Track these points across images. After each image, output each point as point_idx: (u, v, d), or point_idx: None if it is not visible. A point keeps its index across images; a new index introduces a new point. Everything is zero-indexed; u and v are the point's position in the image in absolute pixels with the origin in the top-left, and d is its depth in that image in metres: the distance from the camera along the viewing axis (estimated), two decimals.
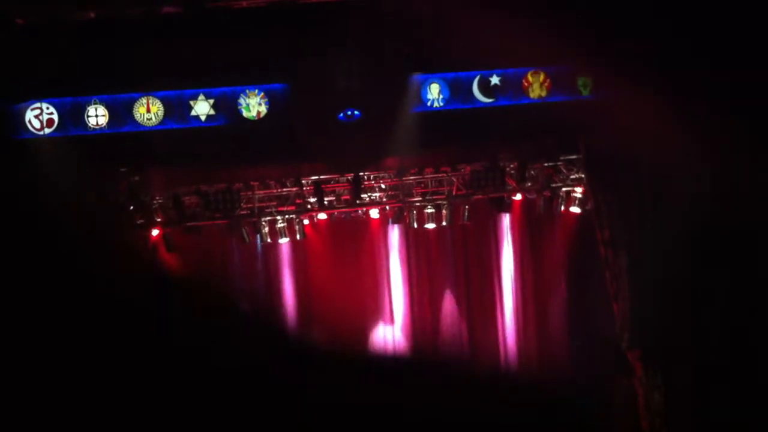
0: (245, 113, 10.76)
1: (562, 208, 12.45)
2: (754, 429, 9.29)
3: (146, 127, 10.59)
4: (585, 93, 10.90)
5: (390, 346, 13.16)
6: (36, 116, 10.39)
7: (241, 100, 10.76)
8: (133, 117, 10.59)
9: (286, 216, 12.17)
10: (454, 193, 12.40)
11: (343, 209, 12.46)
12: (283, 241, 12.33)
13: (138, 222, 11.59)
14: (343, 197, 12.33)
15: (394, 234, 13.22)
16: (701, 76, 9.24)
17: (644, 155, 10.23)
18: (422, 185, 12.49)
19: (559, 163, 12.31)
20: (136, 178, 11.55)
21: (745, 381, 9.50)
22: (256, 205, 12.08)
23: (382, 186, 12.46)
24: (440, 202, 12.38)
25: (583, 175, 11.94)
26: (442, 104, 11.02)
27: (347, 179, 12.11)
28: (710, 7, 8.89)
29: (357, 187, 12.01)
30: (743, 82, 9.05)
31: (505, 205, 12.71)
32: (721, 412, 9.76)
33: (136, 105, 10.59)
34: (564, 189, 12.34)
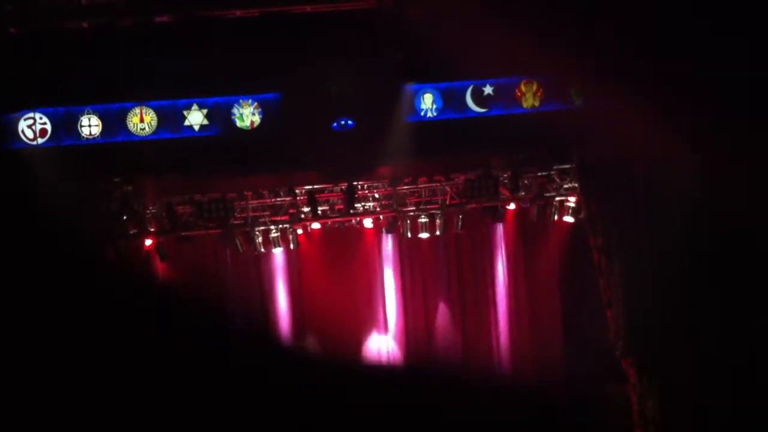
0: (239, 123, 10.77)
1: (556, 217, 12.47)
2: None
3: (139, 137, 10.59)
4: (578, 102, 10.93)
5: (384, 355, 13.14)
6: (29, 126, 10.37)
7: (235, 110, 10.76)
8: (127, 127, 10.58)
9: (280, 225, 12.16)
10: (447, 202, 12.40)
11: (337, 219, 12.44)
12: (277, 250, 12.31)
13: (131, 232, 11.57)
14: (336, 207, 12.32)
15: (388, 243, 13.21)
16: (694, 83, 9.27)
17: (637, 163, 10.27)
18: (416, 194, 12.50)
19: (553, 172, 12.33)
20: (130, 187, 11.53)
21: (741, 388, 9.51)
22: (250, 214, 12.06)
23: (376, 195, 12.46)
24: (434, 211, 12.38)
25: (576, 184, 11.96)
26: (435, 114, 11.04)
27: (341, 189, 12.11)
28: (702, 14, 8.93)
29: (350, 196, 12.00)
30: (737, 87, 9.08)
31: (499, 214, 12.72)
32: (717, 419, 9.76)
33: (130, 115, 10.59)
34: (557, 198, 12.36)
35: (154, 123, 10.62)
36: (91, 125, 10.52)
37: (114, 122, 10.56)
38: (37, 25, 9.93)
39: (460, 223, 12.49)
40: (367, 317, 13.16)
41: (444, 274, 13.42)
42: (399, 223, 12.55)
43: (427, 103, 11.03)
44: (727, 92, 9.02)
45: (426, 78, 10.98)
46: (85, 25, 10.06)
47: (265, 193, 12.15)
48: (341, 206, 12.26)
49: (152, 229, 11.80)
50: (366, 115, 10.80)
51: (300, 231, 12.44)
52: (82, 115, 10.51)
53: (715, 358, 9.86)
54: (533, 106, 11.02)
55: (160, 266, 11.69)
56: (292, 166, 11.27)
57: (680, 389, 10.26)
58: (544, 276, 13.33)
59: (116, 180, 11.38)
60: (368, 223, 12.79)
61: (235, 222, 11.96)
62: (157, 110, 10.61)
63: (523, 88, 11.05)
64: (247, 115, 10.78)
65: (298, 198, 12.13)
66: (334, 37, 10.36)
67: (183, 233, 11.80)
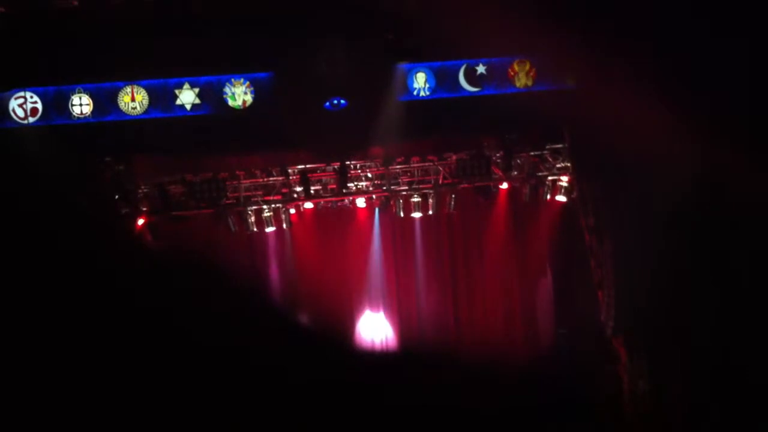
0: (231, 102, 10.73)
1: (548, 196, 12.48)
2: (739, 414, 9.36)
3: (131, 116, 10.55)
4: (571, 83, 10.90)
5: (377, 333, 13.18)
6: (20, 105, 10.33)
7: (227, 89, 10.72)
8: (118, 106, 10.54)
9: (272, 205, 12.15)
10: (440, 181, 12.41)
11: (330, 198, 12.45)
12: (270, 230, 12.31)
13: (123, 211, 11.55)
14: (329, 186, 12.32)
15: (381, 223, 13.22)
16: (690, 64, 9.27)
17: (629, 143, 10.26)
18: (408, 174, 12.50)
19: (545, 152, 12.33)
20: (121, 167, 11.50)
21: (730, 367, 9.57)
22: (242, 194, 12.05)
23: (369, 175, 12.46)
24: (426, 190, 12.39)
25: (568, 164, 11.96)
26: (428, 93, 11.01)
27: (333, 168, 12.10)
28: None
29: (343, 176, 12.00)
30: (735, 68, 9.08)
31: (491, 194, 12.73)
32: (706, 398, 9.83)
33: (121, 94, 10.54)
34: (550, 178, 12.37)
35: (146, 102, 10.57)
36: (82, 104, 10.47)
37: (105, 101, 10.51)
38: (27, 3, 9.86)
39: (452, 203, 12.50)
40: (360, 296, 13.19)
41: (436, 254, 13.44)
42: (391, 203, 12.56)
43: (420, 82, 11.00)
44: (724, 73, 9.02)
45: (419, 57, 10.94)
46: (75, 3, 9.99)
47: (258, 172, 12.14)
48: (334, 186, 12.25)
49: (144, 209, 11.78)
50: (359, 95, 10.77)
51: (293, 210, 12.43)
52: (73, 94, 10.46)
53: (705, 338, 9.91)
54: (526, 85, 11.00)
55: (151, 245, 11.68)
56: (284, 145, 11.25)
57: (671, 369, 10.32)
58: (536, 255, 13.36)
59: (108, 159, 11.35)
60: (361, 202, 12.80)
61: (228, 202, 11.95)
62: (148, 89, 10.57)
63: (516, 67, 11.02)
64: (240, 95, 10.74)
65: (290, 177, 12.11)
66: (326, 17, 10.31)
67: (175, 213, 11.78)
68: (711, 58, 9.04)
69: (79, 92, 10.47)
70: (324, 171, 12.24)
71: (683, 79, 9.31)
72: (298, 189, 12.15)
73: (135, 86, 10.54)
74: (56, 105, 10.43)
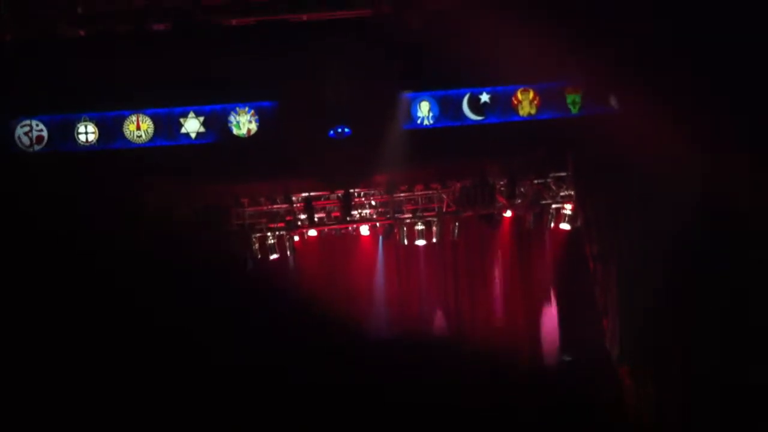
0: (235, 131, 10.77)
1: (552, 224, 12.48)
2: None
3: (136, 144, 10.59)
4: (574, 111, 10.96)
5: (380, 360, 13.13)
6: (25, 133, 10.38)
7: (232, 118, 10.77)
8: (123, 134, 10.59)
9: (277, 232, 12.17)
10: (444, 209, 12.42)
11: (334, 226, 12.46)
12: (273, 257, 12.31)
13: (128, 237, 11.55)
14: (333, 214, 12.34)
15: (384, 250, 13.22)
16: (692, 91, 9.31)
17: (632, 171, 10.31)
18: (412, 202, 12.51)
19: (549, 179, 12.34)
20: (126, 195, 11.52)
21: (736, 391, 9.56)
22: (247, 221, 12.07)
23: (372, 203, 12.48)
24: (430, 218, 12.40)
25: (572, 192, 11.98)
26: (431, 122, 11.05)
27: (337, 196, 12.12)
28: (697, 15, 8.96)
29: (347, 203, 12.01)
30: (733, 91, 9.12)
31: (495, 222, 12.73)
32: (712, 422, 9.82)
33: (126, 122, 10.59)
34: (554, 206, 12.37)
35: (151, 131, 10.62)
36: (87, 132, 10.52)
37: (111, 129, 10.56)
38: (34, 32, 9.95)
39: (456, 231, 12.50)
40: (363, 324, 13.15)
41: (440, 282, 13.42)
42: (395, 231, 12.56)
43: (424, 111, 11.04)
44: (726, 99, 9.05)
45: (422, 86, 10.99)
46: (81, 32, 10.08)
47: (262, 200, 12.16)
48: (338, 213, 12.27)
49: (149, 236, 11.78)
50: (363, 124, 10.81)
51: (297, 238, 12.45)
52: (78, 123, 10.51)
53: (711, 362, 9.90)
54: (530, 114, 11.04)
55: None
56: (288, 173, 11.27)
57: (676, 394, 10.30)
58: (540, 283, 13.34)
59: (113, 187, 11.37)
60: (365, 230, 12.81)
61: (232, 229, 11.95)
62: (153, 118, 10.62)
63: (519, 96, 11.07)
64: (244, 123, 10.78)
65: (294, 205, 12.13)
66: (330, 45, 10.39)
67: (180, 239, 11.78)
68: (715, 83, 9.08)
69: (84, 120, 10.52)
70: (328, 199, 12.26)
71: (689, 106, 9.35)
72: (302, 216, 12.16)
73: (140, 115, 10.59)
74: (62, 133, 10.48)
